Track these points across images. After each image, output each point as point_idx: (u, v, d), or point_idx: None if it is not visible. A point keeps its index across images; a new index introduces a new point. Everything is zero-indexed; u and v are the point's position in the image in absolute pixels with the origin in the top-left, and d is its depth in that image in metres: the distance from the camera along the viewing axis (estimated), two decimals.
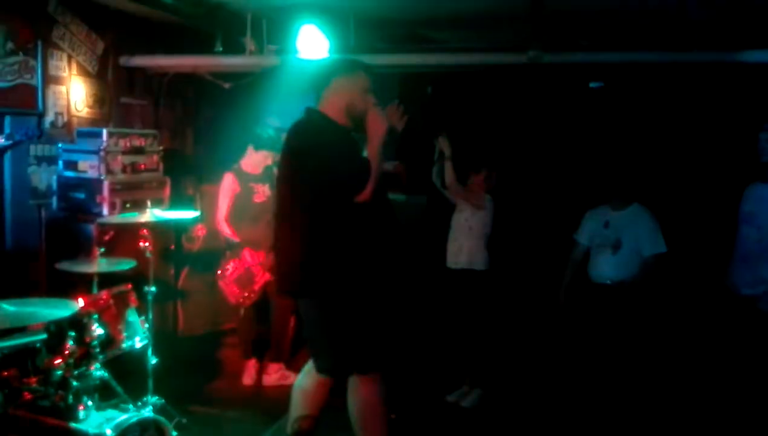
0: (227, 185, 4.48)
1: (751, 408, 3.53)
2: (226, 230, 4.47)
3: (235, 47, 5.07)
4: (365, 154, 2.84)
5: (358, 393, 2.90)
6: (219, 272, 4.45)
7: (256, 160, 4.56)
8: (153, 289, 3.59)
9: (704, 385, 4.24)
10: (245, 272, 4.43)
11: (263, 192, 4.55)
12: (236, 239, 4.44)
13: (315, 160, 2.75)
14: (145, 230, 3.59)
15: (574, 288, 4.40)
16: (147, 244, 3.58)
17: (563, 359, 4.31)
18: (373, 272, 2.84)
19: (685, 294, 4.32)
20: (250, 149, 4.55)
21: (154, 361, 3.52)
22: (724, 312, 3.66)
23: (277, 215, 2.98)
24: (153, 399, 3.46)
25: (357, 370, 2.88)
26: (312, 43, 4.72)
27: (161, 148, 4.73)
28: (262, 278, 4.44)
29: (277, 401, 4.26)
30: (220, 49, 5.04)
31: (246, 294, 4.43)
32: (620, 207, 4.38)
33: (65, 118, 4.55)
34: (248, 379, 4.56)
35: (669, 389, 4.26)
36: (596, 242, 4.39)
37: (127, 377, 3.32)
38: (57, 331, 2.81)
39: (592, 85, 5.90)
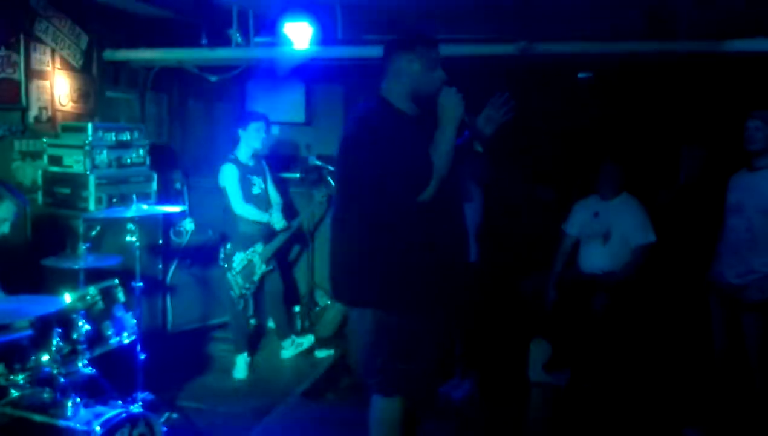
0: (231, 173, 4.49)
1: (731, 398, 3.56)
2: (251, 211, 4.52)
3: (221, 40, 5.02)
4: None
5: (378, 407, 2.67)
6: (225, 263, 4.52)
7: (248, 140, 4.56)
8: (140, 284, 3.57)
9: (689, 371, 4.27)
10: (248, 264, 4.53)
11: (258, 184, 4.62)
12: (263, 220, 4.56)
13: (368, 154, 2.44)
14: (132, 225, 3.56)
15: (564, 279, 4.41)
16: (134, 239, 3.56)
17: (555, 350, 4.32)
18: (435, 283, 2.53)
19: (672, 284, 4.34)
20: (240, 132, 4.58)
21: (142, 357, 3.50)
22: (708, 301, 3.68)
23: (333, 216, 2.69)
24: (142, 395, 3.43)
25: (396, 392, 2.60)
26: (298, 35, 4.69)
27: (147, 142, 4.69)
28: (260, 269, 4.59)
29: (268, 395, 4.27)
30: (206, 42, 4.99)
31: (248, 286, 4.56)
32: (609, 197, 4.40)
33: (49, 113, 4.49)
34: (240, 373, 4.56)
35: (659, 379, 4.29)
36: (586, 233, 4.41)
37: (115, 373, 3.29)
38: (43, 327, 2.78)
39: (580, 75, 5.90)
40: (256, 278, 4.62)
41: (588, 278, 4.34)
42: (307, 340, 4.96)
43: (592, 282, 4.28)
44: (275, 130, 5.71)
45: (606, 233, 4.35)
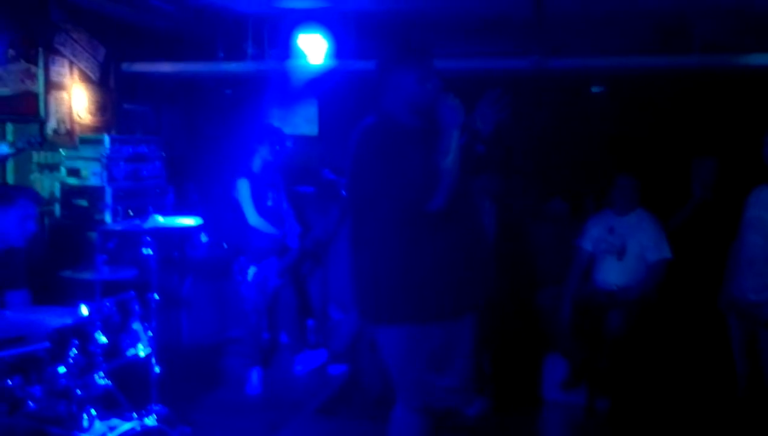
0: (246, 186, 4.51)
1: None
2: (266, 224, 4.53)
3: (236, 53, 5.07)
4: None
5: (400, 421, 2.66)
6: (239, 277, 4.53)
7: (264, 153, 4.59)
8: (157, 297, 3.57)
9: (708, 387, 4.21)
10: (263, 278, 4.54)
11: (272, 197, 4.64)
12: (275, 231, 4.55)
13: (374, 170, 2.46)
14: (148, 237, 3.58)
15: (579, 294, 4.37)
16: (150, 251, 3.57)
17: (570, 368, 4.28)
18: (459, 294, 2.54)
19: (690, 301, 4.30)
20: (255, 146, 4.60)
21: (157, 369, 3.50)
22: (728, 317, 3.64)
23: (350, 235, 2.67)
24: (156, 408, 3.43)
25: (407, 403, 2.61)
26: (313, 49, 4.72)
27: (164, 154, 4.72)
28: (274, 282, 4.59)
29: (281, 410, 4.26)
30: (222, 55, 5.04)
31: (262, 299, 4.56)
32: (624, 212, 4.36)
33: (68, 125, 4.55)
34: (253, 388, 4.55)
35: (677, 399, 4.23)
36: (601, 248, 4.36)
37: (130, 385, 3.29)
38: (60, 339, 2.78)
39: (594, 89, 5.90)
40: (270, 291, 4.62)
41: (604, 294, 4.30)
42: (321, 355, 4.95)
43: (608, 298, 4.24)
44: (289, 143, 5.74)
45: (621, 249, 4.31)
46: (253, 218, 4.51)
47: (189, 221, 3.93)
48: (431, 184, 2.40)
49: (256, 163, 4.63)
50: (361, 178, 2.55)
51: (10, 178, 4.15)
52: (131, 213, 4.29)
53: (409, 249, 2.48)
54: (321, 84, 5.34)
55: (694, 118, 5.25)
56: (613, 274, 4.34)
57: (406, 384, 2.61)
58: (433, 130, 2.53)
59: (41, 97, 4.33)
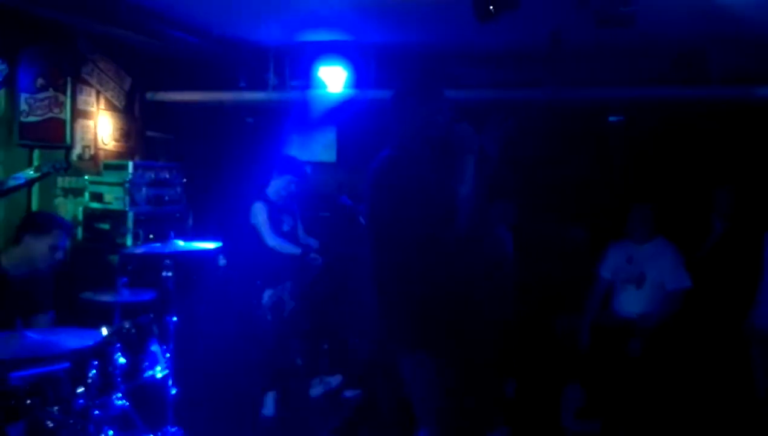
0: (262, 210, 4.56)
1: None
2: (281, 243, 4.55)
3: (257, 83, 5.18)
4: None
5: None
6: (254, 300, 4.56)
7: (280, 186, 4.65)
8: (175, 319, 3.62)
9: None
10: (278, 300, 4.58)
11: (288, 222, 4.69)
12: (296, 252, 4.56)
13: (394, 201, 2.51)
14: (168, 260, 3.64)
15: (598, 322, 4.34)
16: (170, 274, 3.63)
17: (589, 397, 4.23)
18: (466, 321, 2.58)
19: (710, 331, 4.24)
20: (275, 175, 4.66)
21: (174, 391, 3.53)
22: (751, 346, 3.59)
23: (373, 266, 2.69)
24: (172, 430, 3.46)
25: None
26: (333, 79, 4.81)
27: (185, 180, 4.81)
28: (290, 305, 4.62)
29: (296, 433, 4.25)
30: (244, 84, 5.16)
31: (277, 322, 4.57)
32: (642, 241, 4.35)
33: (92, 151, 4.66)
34: (268, 411, 4.55)
35: (697, 430, 4.16)
36: (620, 277, 4.35)
37: (147, 407, 3.32)
38: (80, 360, 2.84)
39: (611, 119, 5.91)
40: (285, 314, 4.64)
41: (623, 322, 4.27)
42: (336, 379, 4.95)
43: (627, 326, 4.21)
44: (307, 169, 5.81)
45: (640, 278, 4.29)
46: (271, 239, 4.54)
47: (208, 245, 3.99)
48: (450, 212, 2.45)
49: (272, 190, 4.67)
50: (380, 208, 2.59)
51: (35, 202, 4.26)
52: (152, 237, 4.36)
53: (429, 275, 2.51)
54: (339, 112, 5.42)
55: (711, 147, 5.24)
56: (632, 302, 4.31)
57: (427, 410, 2.59)
58: (447, 158, 2.59)
59: (68, 125, 4.45)
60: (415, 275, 2.53)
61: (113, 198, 4.40)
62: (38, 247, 3.11)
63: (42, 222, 3.16)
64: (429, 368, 2.55)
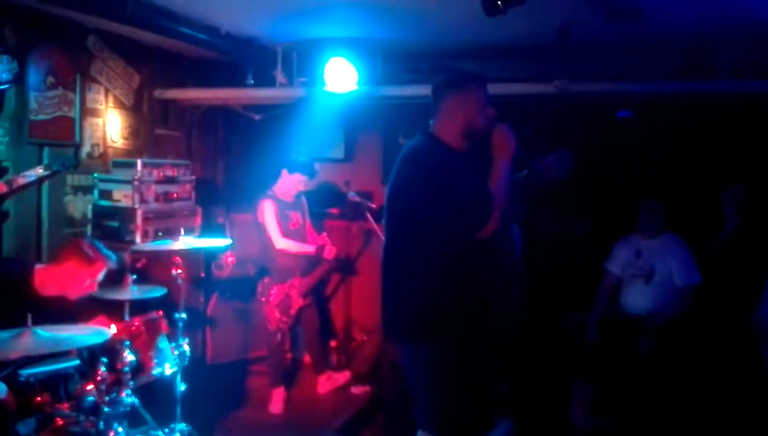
0: (270, 209, 4.58)
1: None
2: (291, 244, 4.57)
3: (265, 80, 5.18)
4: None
5: None
6: (262, 297, 4.59)
7: (289, 183, 4.67)
8: (184, 316, 3.64)
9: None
10: (285, 297, 4.59)
11: (296, 219, 4.70)
12: (307, 250, 4.63)
13: (424, 193, 2.47)
14: (176, 258, 3.66)
15: (606, 318, 4.32)
16: (179, 271, 3.64)
17: (598, 393, 4.21)
18: (489, 320, 2.53)
19: (720, 327, 4.21)
20: (284, 173, 4.67)
21: (182, 388, 3.55)
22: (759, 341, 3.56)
23: (386, 256, 2.67)
24: (181, 426, 3.47)
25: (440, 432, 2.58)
26: (340, 76, 4.81)
27: (193, 177, 4.83)
28: (297, 302, 4.64)
29: (304, 430, 4.26)
30: (251, 81, 5.16)
31: (285, 319, 4.61)
32: (652, 235, 4.32)
33: (101, 149, 4.68)
34: (276, 407, 4.57)
35: (707, 426, 4.14)
36: (628, 272, 4.32)
37: (155, 403, 3.34)
38: (90, 357, 2.86)
39: (619, 114, 5.87)
40: (293, 311, 4.66)
41: (631, 318, 4.25)
42: (344, 376, 4.96)
43: (636, 322, 4.19)
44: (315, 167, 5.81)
45: (649, 273, 4.26)
46: (279, 241, 4.55)
47: (217, 242, 4.01)
48: (482, 209, 2.43)
49: (280, 187, 4.69)
50: (407, 199, 2.55)
51: (45, 199, 4.29)
52: (161, 234, 4.38)
53: (452, 271, 2.49)
54: (348, 109, 5.42)
55: (721, 142, 5.19)
56: (640, 298, 4.29)
57: (432, 406, 2.59)
58: (482, 155, 2.57)
59: (77, 123, 4.47)
60: (434, 266, 2.50)
61: (122, 196, 4.42)
62: (75, 274, 3.00)
63: (90, 253, 3.01)
64: (432, 358, 2.54)
